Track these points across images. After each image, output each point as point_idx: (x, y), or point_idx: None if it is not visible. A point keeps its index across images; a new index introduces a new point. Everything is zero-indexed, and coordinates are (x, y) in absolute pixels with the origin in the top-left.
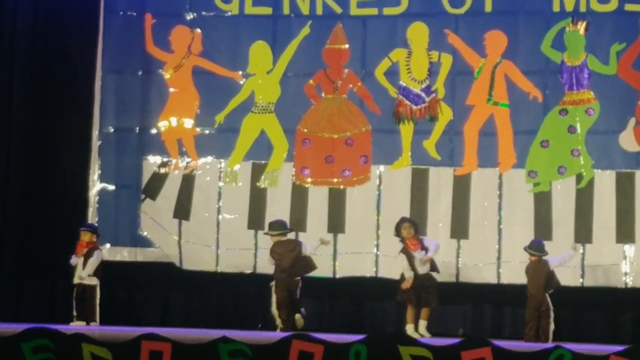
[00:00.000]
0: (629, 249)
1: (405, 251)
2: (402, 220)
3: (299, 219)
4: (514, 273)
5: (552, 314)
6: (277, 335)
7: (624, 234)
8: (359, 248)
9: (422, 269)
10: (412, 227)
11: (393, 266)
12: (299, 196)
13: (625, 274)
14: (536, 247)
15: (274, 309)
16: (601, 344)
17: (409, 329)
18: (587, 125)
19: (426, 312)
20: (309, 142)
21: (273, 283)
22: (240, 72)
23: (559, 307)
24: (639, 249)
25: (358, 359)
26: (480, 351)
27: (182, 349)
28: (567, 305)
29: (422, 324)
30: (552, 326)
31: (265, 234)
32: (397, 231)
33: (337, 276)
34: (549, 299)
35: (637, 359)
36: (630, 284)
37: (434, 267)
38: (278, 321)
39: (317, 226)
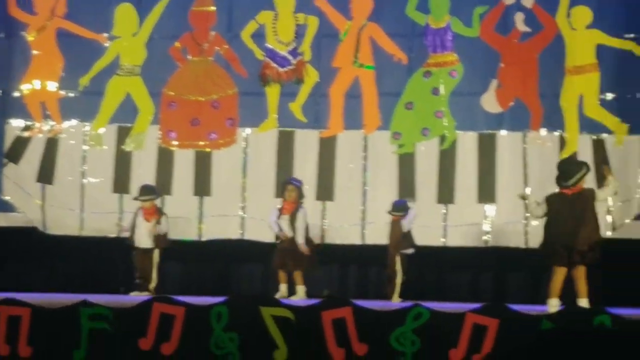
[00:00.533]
0: (489, 209)
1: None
2: (286, 182)
3: (164, 182)
4: (379, 234)
5: (398, 276)
6: (138, 298)
7: (485, 194)
8: (225, 211)
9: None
10: (296, 190)
11: (259, 229)
12: (164, 159)
13: (486, 233)
14: (395, 207)
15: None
16: (463, 302)
17: (282, 288)
18: (450, 87)
19: (300, 276)
20: (175, 105)
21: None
22: (106, 35)
23: (422, 267)
24: (500, 209)
25: (219, 321)
26: (341, 311)
27: (41, 314)
28: (430, 265)
29: (301, 289)
30: (396, 288)
31: (135, 199)
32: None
33: (203, 239)
34: (398, 260)
35: (491, 315)
36: (490, 243)
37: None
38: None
39: (183, 189)
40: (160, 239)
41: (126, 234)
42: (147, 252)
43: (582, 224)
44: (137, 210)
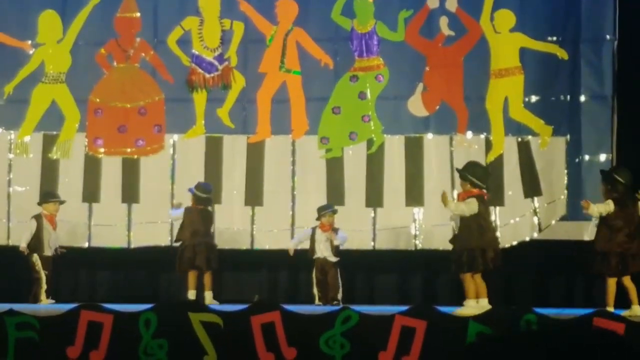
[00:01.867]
0: (417, 212)
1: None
2: None
3: (92, 190)
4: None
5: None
6: (66, 306)
7: (413, 198)
8: (154, 217)
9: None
10: None
11: None
12: (92, 167)
13: (415, 236)
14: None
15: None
16: (392, 305)
17: (191, 294)
18: (377, 91)
19: (209, 280)
20: (101, 112)
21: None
22: (30, 42)
23: (351, 270)
24: (428, 211)
25: (148, 328)
26: (270, 315)
27: None
28: (359, 269)
29: (208, 294)
30: (315, 290)
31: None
32: None
33: (132, 246)
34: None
35: (420, 317)
36: (419, 246)
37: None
38: None
39: (111, 197)
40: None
41: None
42: (48, 259)
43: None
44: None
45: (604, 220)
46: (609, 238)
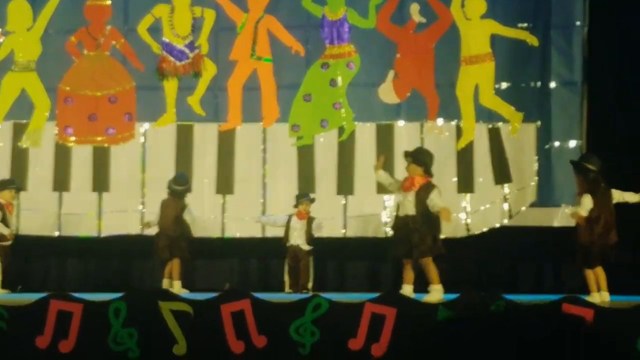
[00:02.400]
0: (388, 199)
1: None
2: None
3: (62, 179)
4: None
5: (285, 267)
6: (35, 296)
7: (383, 185)
8: (125, 206)
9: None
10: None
11: None
12: (62, 156)
13: (385, 223)
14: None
15: None
16: (363, 292)
17: (166, 283)
18: (348, 79)
19: (177, 269)
20: (72, 100)
21: None
22: None
23: (322, 258)
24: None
25: (118, 317)
26: (240, 303)
27: None
28: (330, 256)
29: (177, 284)
30: (285, 277)
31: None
32: None
33: (103, 235)
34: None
35: (389, 304)
36: (390, 233)
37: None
38: None
39: (81, 185)
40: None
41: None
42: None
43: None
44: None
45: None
46: (590, 231)
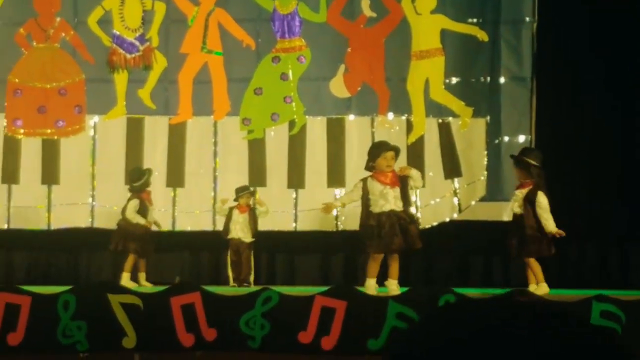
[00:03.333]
0: (339, 193)
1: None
2: None
3: (11, 171)
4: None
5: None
6: None
7: (334, 179)
8: (74, 199)
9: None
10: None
11: (109, 216)
12: (11, 148)
13: (337, 217)
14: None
15: None
16: (314, 286)
17: (125, 277)
18: (299, 73)
19: (144, 264)
20: (21, 92)
21: None
22: None
23: (273, 252)
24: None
25: (67, 309)
26: (190, 296)
27: None
28: (280, 250)
29: (142, 276)
30: (229, 271)
31: None
32: None
33: (52, 228)
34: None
35: (339, 297)
36: (341, 227)
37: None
38: None
39: (30, 178)
40: None
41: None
42: None
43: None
44: None
45: (531, 205)
46: (538, 223)
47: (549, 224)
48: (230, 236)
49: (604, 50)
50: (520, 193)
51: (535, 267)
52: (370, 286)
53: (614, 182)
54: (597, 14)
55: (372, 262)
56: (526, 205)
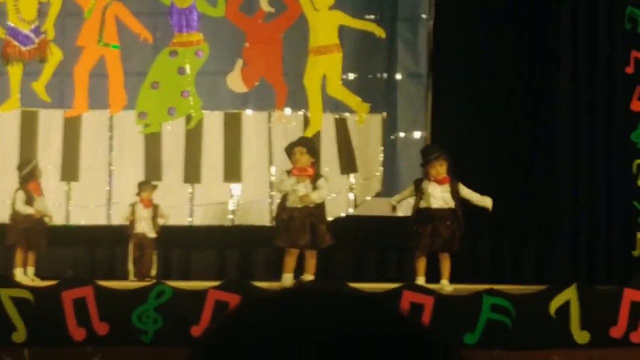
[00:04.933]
0: (235, 188)
1: None
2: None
3: None
4: (124, 214)
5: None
6: None
7: (231, 174)
8: None
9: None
10: None
11: (3, 211)
12: None
13: (232, 212)
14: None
15: None
16: (209, 280)
17: (19, 272)
18: (196, 67)
19: (33, 257)
20: None
21: None
22: None
23: (168, 246)
24: (245, 187)
25: None
26: (81, 290)
27: None
28: (176, 245)
29: (31, 270)
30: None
31: None
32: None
33: None
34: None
35: (233, 291)
36: (236, 222)
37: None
38: None
39: None
40: None
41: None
42: None
43: None
44: None
45: (457, 197)
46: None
47: (482, 198)
48: (135, 231)
49: (500, 48)
50: (442, 188)
51: (448, 262)
52: (286, 281)
53: (509, 178)
54: (493, 11)
55: (287, 257)
56: (454, 198)
